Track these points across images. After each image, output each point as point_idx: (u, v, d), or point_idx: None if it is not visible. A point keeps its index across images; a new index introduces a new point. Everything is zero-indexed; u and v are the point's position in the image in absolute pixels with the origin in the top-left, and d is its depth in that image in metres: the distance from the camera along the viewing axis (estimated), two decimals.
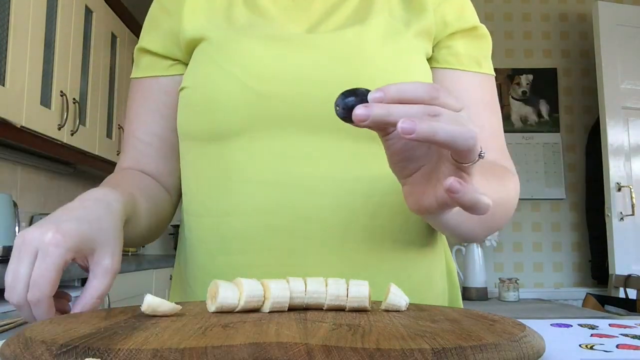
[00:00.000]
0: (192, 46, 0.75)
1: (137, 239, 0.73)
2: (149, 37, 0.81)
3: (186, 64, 0.77)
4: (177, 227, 3.28)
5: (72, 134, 2.42)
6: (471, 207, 0.46)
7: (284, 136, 0.68)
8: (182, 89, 0.74)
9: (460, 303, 0.83)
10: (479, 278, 3.22)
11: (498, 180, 0.67)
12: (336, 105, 0.48)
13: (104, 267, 0.58)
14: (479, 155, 0.47)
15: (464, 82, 0.76)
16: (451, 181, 0.45)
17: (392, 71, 0.69)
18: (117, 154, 3.00)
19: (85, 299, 0.57)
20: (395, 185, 0.71)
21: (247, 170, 0.68)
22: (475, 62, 0.77)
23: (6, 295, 0.55)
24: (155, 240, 0.91)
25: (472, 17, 0.78)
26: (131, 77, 0.83)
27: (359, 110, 0.45)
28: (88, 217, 0.58)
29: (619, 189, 3.31)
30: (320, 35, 0.71)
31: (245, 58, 0.69)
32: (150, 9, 0.82)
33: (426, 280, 0.74)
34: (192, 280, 0.75)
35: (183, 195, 0.78)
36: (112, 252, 0.59)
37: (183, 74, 0.77)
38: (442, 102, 0.46)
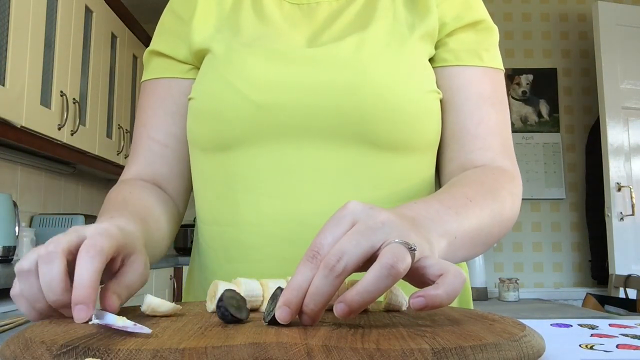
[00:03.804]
0: (200, 56, 0.75)
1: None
2: (164, 42, 0.79)
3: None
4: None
5: (72, 134, 2.42)
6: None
7: (285, 146, 0.68)
8: (190, 98, 0.74)
9: (470, 306, 0.81)
10: (479, 278, 3.22)
11: (485, 196, 0.64)
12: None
13: (139, 271, 0.53)
14: (411, 250, 0.43)
15: (463, 78, 0.74)
16: (413, 303, 0.42)
17: (393, 78, 0.68)
18: (117, 154, 3.00)
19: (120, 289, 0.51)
20: (398, 193, 0.71)
21: (249, 180, 0.69)
22: (475, 56, 0.74)
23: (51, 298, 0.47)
24: None
25: (475, 11, 0.76)
26: (143, 79, 0.81)
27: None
28: (125, 227, 0.56)
29: (619, 189, 3.31)
30: (321, 49, 0.70)
31: (248, 72, 0.69)
32: (163, 15, 0.82)
33: None
34: (204, 281, 0.76)
35: (195, 200, 0.78)
36: (145, 264, 0.55)
37: None
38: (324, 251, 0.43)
